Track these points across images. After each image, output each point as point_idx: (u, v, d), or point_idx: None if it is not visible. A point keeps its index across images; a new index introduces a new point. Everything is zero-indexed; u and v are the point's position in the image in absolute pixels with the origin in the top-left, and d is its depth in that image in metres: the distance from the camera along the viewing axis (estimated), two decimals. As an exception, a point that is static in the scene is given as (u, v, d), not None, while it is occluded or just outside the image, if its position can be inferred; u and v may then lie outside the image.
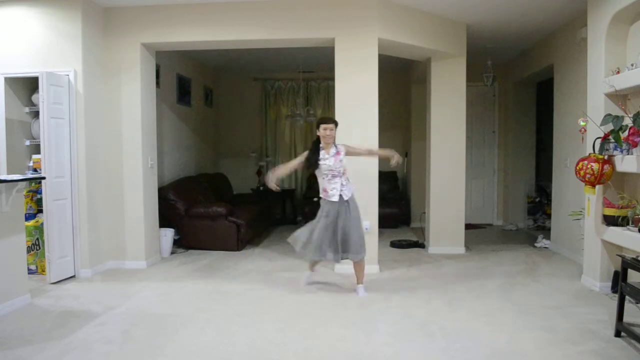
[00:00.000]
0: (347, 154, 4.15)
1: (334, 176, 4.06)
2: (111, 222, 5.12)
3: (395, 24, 5.03)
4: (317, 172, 4.14)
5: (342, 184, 4.07)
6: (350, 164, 4.87)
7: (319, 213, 4.13)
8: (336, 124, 4.15)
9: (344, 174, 4.11)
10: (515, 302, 3.90)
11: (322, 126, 4.07)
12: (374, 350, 3.00)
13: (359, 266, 4.18)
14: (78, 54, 4.69)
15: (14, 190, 3.74)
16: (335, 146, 4.12)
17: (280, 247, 6.26)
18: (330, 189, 4.07)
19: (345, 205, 4.06)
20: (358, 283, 4.21)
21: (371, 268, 4.90)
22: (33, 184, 4.87)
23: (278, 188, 4.14)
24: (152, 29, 5.00)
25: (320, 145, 4.11)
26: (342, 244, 4.06)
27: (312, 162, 4.08)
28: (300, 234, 4.21)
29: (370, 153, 4.48)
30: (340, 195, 4.05)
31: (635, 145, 3.55)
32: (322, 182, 4.13)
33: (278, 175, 4.21)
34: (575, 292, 4.18)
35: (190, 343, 3.12)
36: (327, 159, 4.06)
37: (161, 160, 6.15)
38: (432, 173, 5.83)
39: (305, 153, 4.19)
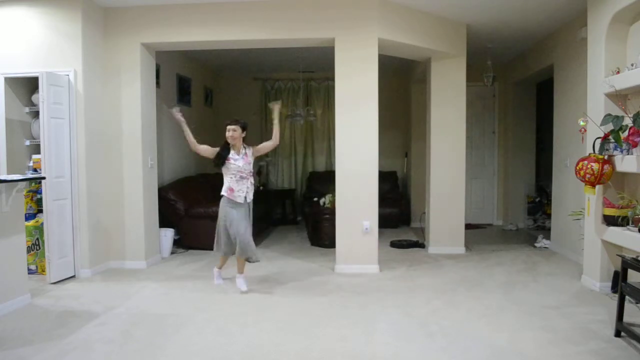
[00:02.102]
0: (256, 153, 4.27)
1: (242, 177, 4.16)
2: (111, 222, 5.12)
3: (395, 24, 5.03)
4: (224, 171, 4.19)
5: (247, 187, 4.18)
6: (349, 163, 4.91)
7: (220, 213, 4.17)
8: (242, 125, 4.20)
9: (250, 176, 4.21)
10: (515, 302, 3.90)
11: (227, 127, 4.15)
12: (374, 350, 2.99)
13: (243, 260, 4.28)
14: (78, 54, 4.69)
15: (14, 190, 3.74)
16: (245, 148, 4.22)
17: (280, 247, 6.26)
18: (237, 190, 4.15)
19: (246, 207, 4.18)
20: (240, 272, 4.30)
21: (371, 268, 4.93)
22: (33, 184, 4.87)
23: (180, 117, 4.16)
24: (152, 29, 5.00)
25: (230, 145, 4.19)
26: (236, 241, 4.15)
27: (221, 159, 4.15)
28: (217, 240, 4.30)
29: (274, 143, 4.33)
30: (245, 197, 4.16)
31: (635, 145, 3.55)
32: (229, 182, 4.17)
33: (186, 130, 4.19)
34: (575, 292, 4.18)
35: (190, 343, 3.12)
36: (237, 160, 4.15)
37: (161, 160, 6.15)
38: (432, 173, 5.83)
39: (217, 148, 4.22)
